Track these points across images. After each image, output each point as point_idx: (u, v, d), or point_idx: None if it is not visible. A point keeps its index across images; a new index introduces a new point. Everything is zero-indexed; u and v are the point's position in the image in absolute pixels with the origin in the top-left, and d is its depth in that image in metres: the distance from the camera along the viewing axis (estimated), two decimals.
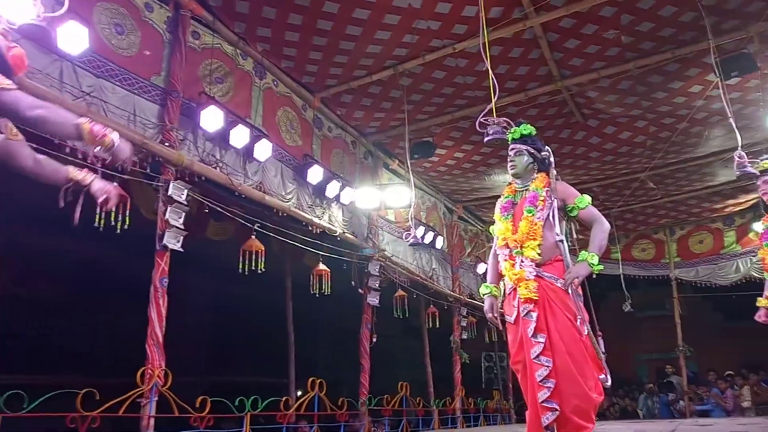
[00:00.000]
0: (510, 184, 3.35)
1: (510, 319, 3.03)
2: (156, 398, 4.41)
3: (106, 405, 4.10)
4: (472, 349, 10.99)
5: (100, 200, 2.19)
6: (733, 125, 5.87)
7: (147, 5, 5.07)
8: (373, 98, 7.19)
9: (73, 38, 4.08)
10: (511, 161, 3.27)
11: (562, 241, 2.98)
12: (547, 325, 2.84)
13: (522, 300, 2.92)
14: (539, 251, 2.95)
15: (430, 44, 6.16)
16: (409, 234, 7.75)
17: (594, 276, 2.95)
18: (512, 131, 3.35)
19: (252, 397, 5.27)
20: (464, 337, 10.23)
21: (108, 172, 3.77)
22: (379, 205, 7.75)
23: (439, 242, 9.02)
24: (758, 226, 4.46)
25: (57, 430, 4.00)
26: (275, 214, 6.15)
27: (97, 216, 3.98)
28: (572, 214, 3.09)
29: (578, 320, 2.83)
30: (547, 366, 2.78)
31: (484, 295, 3.28)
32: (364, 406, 7.32)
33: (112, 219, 4.24)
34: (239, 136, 5.56)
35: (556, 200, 3.06)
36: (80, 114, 2.76)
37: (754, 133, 7.36)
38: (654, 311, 12.66)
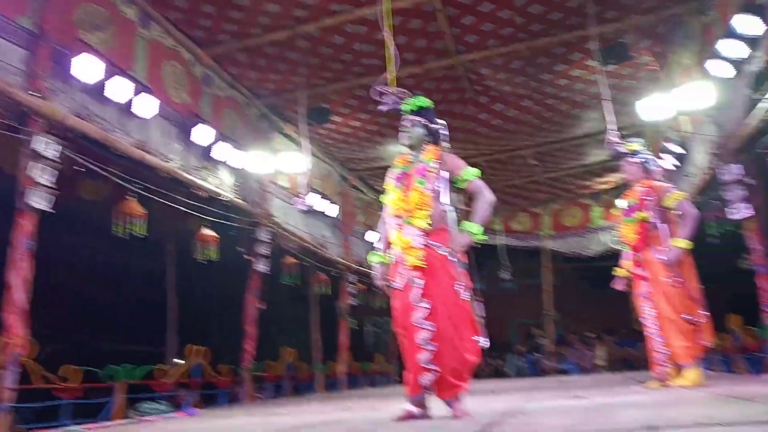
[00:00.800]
0: (403, 154, 3.40)
1: (397, 285, 3.11)
2: (18, 369, 4.06)
3: None
4: (359, 315, 11.23)
5: None
6: (610, 109, 6.37)
7: None
8: (268, 59, 6.94)
9: None
10: (404, 132, 3.32)
11: (449, 211, 3.09)
12: (431, 291, 2.96)
13: (409, 267, 3.01)
14: (428, 221, 3.05)
15: (330, 8, 6.03)
16: (302, 201, 7.66)
17: (476, 245, 3.09)
18: (408, 103, 3.39)
19: (124, 366, 5.00)
20: (352, 303, 10.41)
21: None
22: (272, 170, 7.57)
23: (332, 210, 9.03)
24: (621, 203, 4.89)
25: None
26: (157, 176, 5.78)
27: None
28: (460, 186, 3.20)
29: (460, 287, 2.98)
30: (430, 330, 2.90)
31: (374, 263, 3.33)
32: (247, 373, 7.26)
33: None
34: (118, 89, 5.13)
35: (445, 172, 3.15)
36: None
37: (624, 118, 8.03)
38: (528, 279, 13.59)
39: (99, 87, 4.99)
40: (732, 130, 5.81)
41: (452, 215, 3.10)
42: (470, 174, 3.18)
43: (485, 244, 12.63)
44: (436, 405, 3.01)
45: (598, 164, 10.38)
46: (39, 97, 4.41)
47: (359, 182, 11.02)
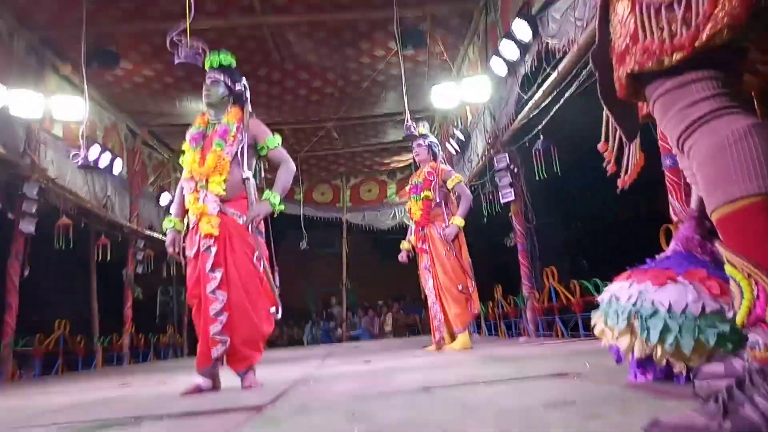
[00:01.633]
0: (203, 114, 3.20)
1: (190, 253, 2.95)
2: None
3: None
4: (148, 283, 10.46)
5: None
6: (405, 92, 6.75)
7: None
8: None
9: None
10: (206, 90, 3.13)
11: (248, 178, 3.00)
12: (225, 260, 2.86)
13: (203, 235, 2.87)
14: (224, 187, 2.92)
15: None
16: (80, 154, 6.76)
17: (275, 215, 3.06)
18: (210, 59, 3.18)
19: None
20: (139, 271, 9.64)
21: None
22: (43, 115, 6.52)
23: (118, 167, 8.12)
24: (414, 181, 5.29)
25: None
26: None
27: None
28: (262, 153, 3.13)
29: (256, 256, 2.92)
30: (222, 300, 2.81)
31: (166, 228, 3.10)
32: (7, 349, 6.31)
33: None
34: None
35: (247, 137, 3.04)
36: None
37: (419, 102, 8.61)
38: (326, 249, 13.97)
39: None
40: (504, 123, 6.61)
41: (252, 182, 3.01)
42: (274, 142, 3.12)
43: (286, 213, 12.66)
44: (227, 377, 2.95)
45: (395, 143, 11.01)
46: None
47: (152, 139, 10.10)
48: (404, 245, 5.24)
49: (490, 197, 7.69)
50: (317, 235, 12.73)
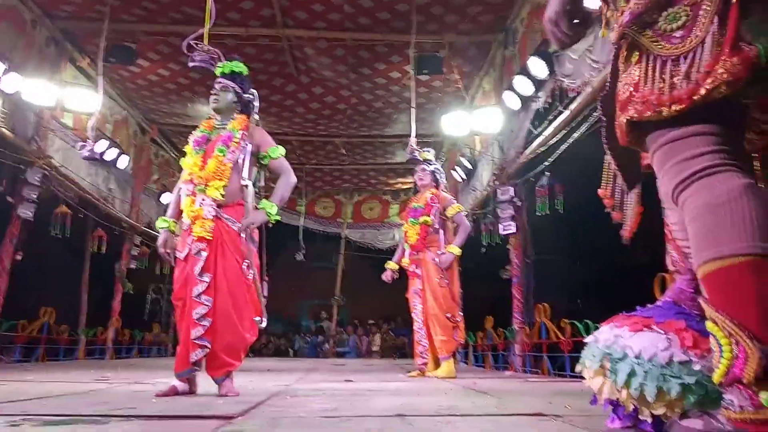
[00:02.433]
0: (210, 118, 3.23)
1: (180, 255, 2.94)
2: None
3: None
4: (140, 279, 10.43)
5: None
6: (414, 116, 6.79)
7: None
8: None
9: None
10: (214, 95, 3.16)
11: (247, 186, 3.00)
12: (215, 265, 2.85)
13: (195, 238, 2.86)
14: (223, 192, 2.92)
15: None
16: (86, 146, 6.79)
17: (271, 225, 3.05)
18: (222, 65, 3.22)
19: None
20: (133, 266, 9.62)
21: None
22: (56, 104, 6.57)
23: (123, 162, 8.15)
24: (413, 205, 5.29)
25: None
26: None
27: None
28: (263, 162, 3.13)
29: (246, 264, 2.91)
30: (207, 305, 2.79)
31: (160, 228, 3.09)
32: None
33: None
34: None
35: (250, 145, 3.05)
36: None
37: (429, 127, 8.65)
38: (322, 263, 13.93)
39: None
40: (512, 156, 6.63)
41: (251, 190, 3.00)
42: (276, 152, 3.13)
43: (286, 224, 12.56)
44: (206, 382, 2.92)
45: (402, 165, 11.04)
46: None
47: (160, 137, 10.16)
48: (390, 265, 5.26)
49: (491, 228, 7.67)
50: (315, 248, 12.70)
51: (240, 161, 3.00)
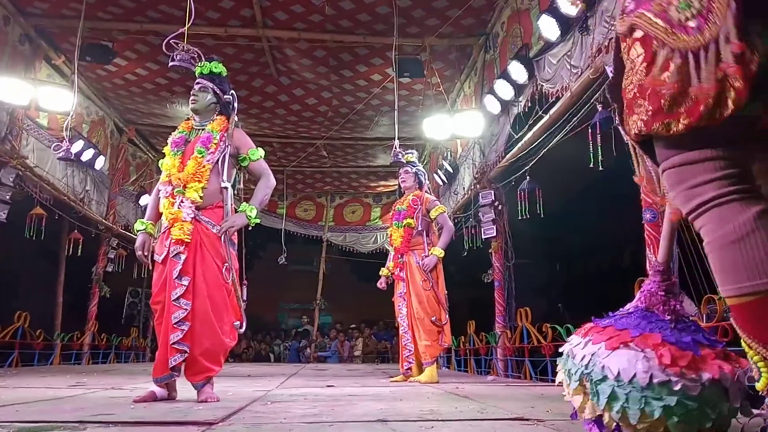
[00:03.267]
0: (189, 119, 3.18)
1: (158, 258, 2.88)
2: None
3: None
4: (117, 283, 10.26)
5: None
6: (397, 118, 6.79)
7: None
8: None
9: None
10: (193, 96, 3.12)
11: (227, 188, 2.95)
12: (194, 268, 2.80)
13: (173, 241, 2.81)
14: (201, 194, 2.87)
15: None
16: (62, 146, 6.66)
17: (252, 227, 3.01)
18: (201, 65, 3.18)
19: None
20: (110, 269, 9.45)
21: None
22: (30, 103, 6.43)
23: (100, 162, 8.02)
24: (397, 207, 5.25)
25: None
26: None
27: None
28: (243, 164, 3.09)
29: (225, 267, 2.86)
30: (185, 309, 2.74)
31: (138, 230, 3.03)
32: None
33: None
34: None
35: (230, 146, 3.01)
36: None
37: (411, 130, 8.66)
38: (304, 266, 13.84)
39: None
40: (493, 160, 6.66)
41: (230, 193, 2.96)
42: (256, 154, 3.09)
43: (268, 227, 12.47)
44: (185, 388, 2.86)
45: (384, 168, 11.04)
46: None
47: (138, 138, 10.01)
48: (383, 272, 5.17)
49: (473, 231, 7.69)
50: (296, 251, 12.61)
51: (219, 163, 2.96)
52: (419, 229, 4.86)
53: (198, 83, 3.12)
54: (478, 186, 7.07)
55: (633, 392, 1.32)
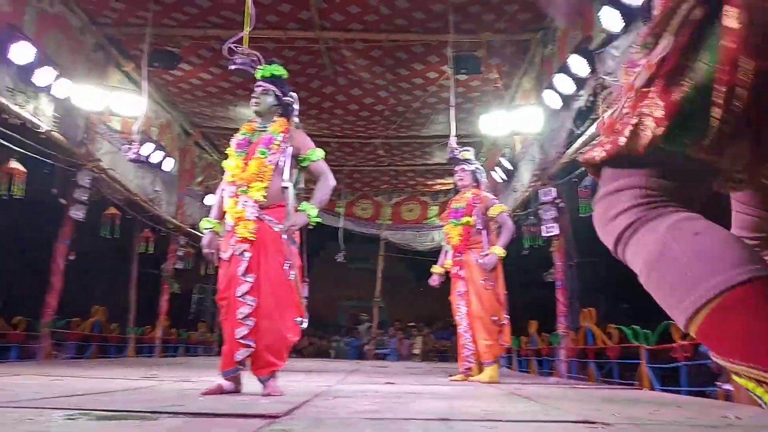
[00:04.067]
0: (251, 121, 3.27)
1: (224, 255, 2.99)
2: None
3: None
4: (186, 279, 10.69)
5: None
6: (454, 116, 6.73)
7: None
8: None
9: None
10: (255, 98, 3.20)
11: (288, 187, 3.02)
12: (258, 266, 2.88)
13: (238, 239, 2.90)
14: (264, 194, 2.95)
15: None
16: (134, 149, 7.00)
17: (312, 227, 3.07)
18: (262, 68, 3.26)
19: None
20: (179, 266, 9.86)
21: None
22: (104, 108, 6.80)
23: (168, 164, 8.39)
24: (454, 205, 5.21)
25: None
26: None
27: None
28: (303, 164, 3.15)
29: (288, 265, 2.93)
30: (251, 305, 2.83)
31: (205, 229, 3.15)
32: (46, 328, 6.52)
33: None
34: None
35: (291, 147, 3.08)
36: None
37: (468, 127, 8.56)
38: (362, 264, 13.97)
39: None
40: (553, 156, 6.49)
41: (291, 192, 3.03)
42: (316, 155, 3.14)
43: (326, 225, 12.61)
44: (250, 381, 2.95)
45: (441, 166, 10.96)
46: None
47: (203, 140, 10.39)
48: (436, 269, 5.15)
49: (533, 230, 7.52)
50: (354, 250, 12.72)
51: (281, 163, 3.03)
52: (478, 227, 4.80)
53: (259, 86, 3.20)
54: (538, 183, 6.91)
55: None
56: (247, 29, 4.03)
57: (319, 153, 3.17)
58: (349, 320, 15.53)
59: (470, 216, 4.82)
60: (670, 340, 4.19)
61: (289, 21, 6.69)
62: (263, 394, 2.80)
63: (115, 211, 7.80)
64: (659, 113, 0.84)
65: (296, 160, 3.12)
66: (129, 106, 6.91)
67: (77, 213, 6.75)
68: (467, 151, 5.20)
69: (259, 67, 3.32)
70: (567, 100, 5.86)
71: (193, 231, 9.88)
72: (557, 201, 6.61)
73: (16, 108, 5.55)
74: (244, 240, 2.88)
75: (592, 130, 5.48)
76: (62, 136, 6.37)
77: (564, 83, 5.68)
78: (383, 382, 4.16)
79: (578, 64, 5.36)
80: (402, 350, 13.18)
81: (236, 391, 2.92)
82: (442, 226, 11.68)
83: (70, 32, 6.57)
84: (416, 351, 13.16)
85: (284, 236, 2.93)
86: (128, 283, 9.08)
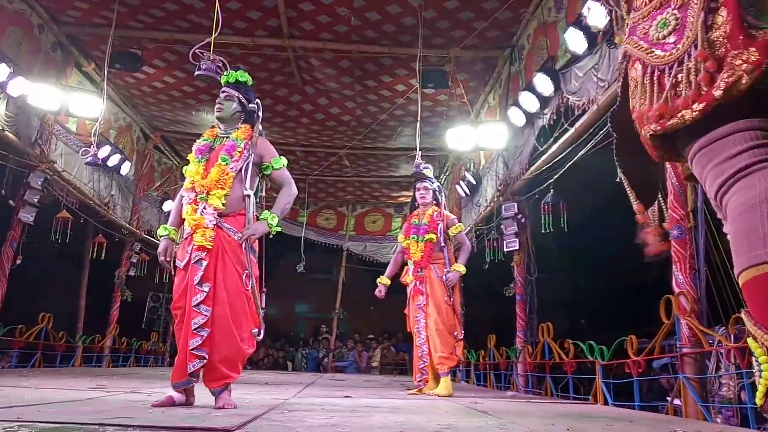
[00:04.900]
0: (214, 127, 3.22)
1: (180, 264, 2.90)
2: None
3: None
4: (139, 287, 10.38)
5: None
6: (419, 129, 6.78)
7: None
8: None
9: None
10: (219, 104, 3.14)
11: (249, 195, 2.96)
12: (214, 275, 2.80)
13: (195, 247, 2.82)
14: (224, 201, 2.89)
15: None
16: (89, 151, 6.78)
17: (272, 236, 3.02)
18: (227, 74, 3.21)
19: None
20: (132, 273, 9.57)
21: None
22: (60, 108, 6.57)
23: (126, 168, 8.15)
24: (414, 221, 5.21)
25: None
26: None
27: None
28: (266, 172, 3.11)
29: (245, 274, 2.86)
30: (205, 315, 2.74)
31: (161, 236, 3.06)
32: None
33: None
34: None
35: (253, 155, 3.03)
36: None
37: (433, 140, 8.64)
38: (323, 275, 13.82)
39: None
40: (516, 172, 6.60)
41: (252, 200, 2.97)
42: (279, 163, 3.10)
43: (287, 234, 12.47)
44: (203, 394, 2.86)
45: (405, 178, 11.01)
46: None
47: (164, 144, 10.16)
48: (383, 280, 5.22)
49: (494, 244, 7.61)
50: (315, 260, 12.60)
51: (243, 171, 2.97)
52: (441, 244, 4.89)
53: (223, 92, 3.15)
54: (501, 198, 7.01)
55: None
56: (214, 34, 3.97)
57: (283, 161, 3.12)
58: (310, 331, 15.33)
59: (434, 233, 4.89)
60: (625, 355, 4.28)
61: (257, 28, 6.64)
62: (216, 407, 2.71)
63: (67, 215, 7.51)
64: (754, 57, 0.91)
65: (259, 167, 3.07)
66: (87, 107, 6.69)
67: (27, 216, 6.48)
68: (428, 168, 5.26)
69: (224, 73, 3.26)
70: (531, 117, 5.97)
71: (148, 237, 9.62)
72: (519, 216, 6.71)
73: None
74: (201, 248, 2.81)
75: (555, 147, 5.59)
76: (14, 135, 6.13)
77: (529, 101, 5.78)
78: (341, 396, 4.10)
79: (543, 83, 5.48)
80: (361, 363, 13.09)
81: (188, 403, 2.83)
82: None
83: (30, 30, 6.36)
84: (375, 364, 13.09)
85: (243, 245, 2.87)
86: (79, 290, 8.75)
